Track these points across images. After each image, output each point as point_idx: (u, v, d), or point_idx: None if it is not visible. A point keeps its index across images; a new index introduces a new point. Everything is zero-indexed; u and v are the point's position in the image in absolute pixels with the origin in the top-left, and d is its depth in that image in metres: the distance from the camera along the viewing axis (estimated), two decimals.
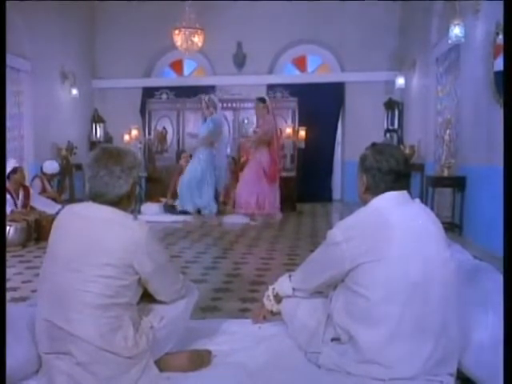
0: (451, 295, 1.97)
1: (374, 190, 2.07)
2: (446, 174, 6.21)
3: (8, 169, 5.88)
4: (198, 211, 7.57)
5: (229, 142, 9.70)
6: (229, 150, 9.58)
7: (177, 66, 10.84)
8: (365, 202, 2.11)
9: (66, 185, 8.74)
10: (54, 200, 6.66)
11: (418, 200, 2.10)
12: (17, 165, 6.10)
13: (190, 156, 8.55)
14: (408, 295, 1.90)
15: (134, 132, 9.54)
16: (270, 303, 2.57)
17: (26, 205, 5.99)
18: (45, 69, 8.42)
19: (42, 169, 7.12)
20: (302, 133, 9.25)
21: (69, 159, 8.85)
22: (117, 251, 1.92)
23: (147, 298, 2.16)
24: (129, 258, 1.93)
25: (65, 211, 2.15)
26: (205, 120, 7.64)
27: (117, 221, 1.99)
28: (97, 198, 2.02)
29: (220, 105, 8.07)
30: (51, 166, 7.10)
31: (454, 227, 6.09)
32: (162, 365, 2.15)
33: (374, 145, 2.15)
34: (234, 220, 7.28)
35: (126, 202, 2.07)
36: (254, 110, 7.91)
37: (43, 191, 6.72)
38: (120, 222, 1.99)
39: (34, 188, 6.50)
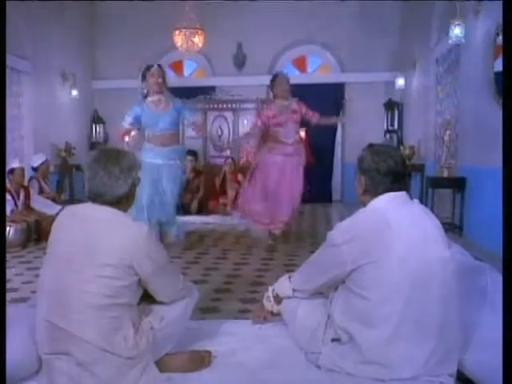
0: (451, 295, 1.97)
1: (372, 191, 2.06)
2: (445, 174, 6.21)
3: (13, 166, 5.92)
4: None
5: (229, 144, 9.71)
6: (229, 151, 9.60)
7: (177, 67, 10.83)
8: (363, 204, 2.11)
9: (66, 185, 8.73)
10: (54, 200, 6.65)
11: (417, 200, 2.10)
12: (19, 165, 6.11)
13: (196, 157, 8.55)
14: (408, 296, 1.90)
15: (134, 133, 9.52)
16: (269, 304, 2.58)
17: (26, 205, 5.99)
18: (45, 70, 8.41)
19: (32, 168, 6.87)
20: (302, 133, 9.24)
21: (67, 160, 8.83)
22: (116, 251, 1.92)
23: (147, 298, 2.16)
24: (128, 259, 1.94)
25: (64, 212, 2.15)
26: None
27: (116, 221, 2.00)
28: (96, 198, 2.02)
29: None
30: (37, 157, 6.94)
31: (454, 228, 6.09)
32: (162, 365, 2.16)
33: (370, 146, 2.14)
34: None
35: (125, 203, 2.08)
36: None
37: (40, 192, 6.69)
38: (119, 222, 2.00)
39: (32, 189, 6.47)
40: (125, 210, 2.08)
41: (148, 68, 4.76)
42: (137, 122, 4.86)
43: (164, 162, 4.75)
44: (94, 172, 2.01)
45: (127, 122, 4.85)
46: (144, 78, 4.75)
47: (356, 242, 1.97)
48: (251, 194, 5.28)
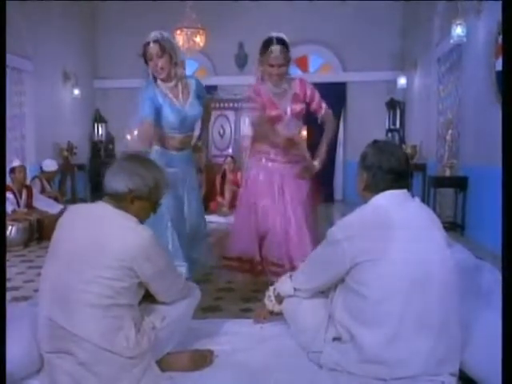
0: (451, 293, 1.97)
1: (373, 188, 2.07)
2: (447, 173, 6.20)
3: (13, 165, 5.96)
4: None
5: (231, 143, 9.73)
6: (230, 151, 9.61)
7: None
8: (364, 199, 2.12)
9: (67, 185, 8.75)
10: (56, 200, 6.68)
11: (417, 198, 2.10)
12: (19, 163, 6.14)
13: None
14: (407, 294, 1.90)
15: (136, 132, 9.53)
16: (271, 303, 2.57)
17: (28, 204, 6.00)
18: (47, 69, 8.41)
19: (41, 168, 7.14)
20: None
21: (69, 159, 8.84)
22: (118, 253, 1.92)
23: (149, 297, 2.16)
24: (129, 261, 1.93)
25: (70, 210, 2.16)
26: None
27: (119, 223, 1.99)
28: (104, 190, 2.06)
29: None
30: (50, 163, 7.14)
31: (456, 227, 6.08)
32: (163, 365, 2.16)
33: (375, 142, 2.14)
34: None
35: (124, 205, 2.02)
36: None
37: (42, 191, 6.73)
38: (123, 224, 1.99)
39: (34, 188, 6.50)
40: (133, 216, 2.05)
41: (144, 49, 3.23)
42: (155, 115, 3.14)
43: (183, 171, 3.29)
44: (112, 165, 2.07)
45: (148, 113, 3.12)
46: (145, 61, 3.26)
47: (356, 239, 1.97)
48: (245, 232, 3.46)
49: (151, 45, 3.14)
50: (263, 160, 3.45)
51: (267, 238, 3.39)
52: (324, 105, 3.51)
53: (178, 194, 3.22)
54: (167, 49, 3.15)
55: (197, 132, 3.55)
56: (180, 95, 3.22)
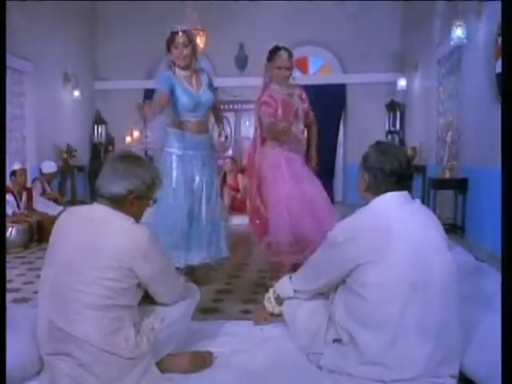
0: (451, 296, 1.96)
1: (374, 189, 2.07)
2: (447, 175, 6.20)
3: (14, 168, 5.97)
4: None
5: (231, 144, 9.72)
6: (231, 152, 9.61)
7: None
8: (365, 200, 2.12)
9: (67, 186, 8.75)
10: (56, 201, 6.68)
11: (418, 200, 2.10)
12: (21, 166, 6.16)
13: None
14: (408, 296, 1.90)
15: (136, 134, 9.53)
16: (270, 305, 2.57)
17: (28, 206, 6.01)
18: (47, 70, 8.41)
19: (40, 170, 7.18)
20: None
21: (68, 161, 8.84)
22: (117, 254, 1.92)
23: (148, 298, 2.16)
24: (129, 262, 1.93)
25: (67, 212, 2.15)
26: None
27: (118, 223, 1.99)
28: (96, 192, 2.03)
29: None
30: (49, 165, 7.19)
31: (456, 229, 6.08)
32: (163, 366, 2.16)
33: (377, 143, 2.14)
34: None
35: (122, 208, 2.02)
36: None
37: (43, 193, 6.75)
38: (121, 224, 1.99)
39: (35, 190, 6.52)
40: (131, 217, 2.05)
41: (171, 37, 3.50)
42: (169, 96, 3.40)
43: (202, 154, 3.63)
44: (105, 167, 2.04)
45: (164, 88, 3.37)
46: (168, 49, 3.54)
47: (357, 241, 1.96)
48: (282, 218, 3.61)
49: (180, 34, 3.48)
50: (278, 151, 3.76)
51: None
52: (311, 110, 4.06)
53: (192, 177, 3.57)
54: (192, 40, 3.60)
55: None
56: (194, 83, 3.59)
